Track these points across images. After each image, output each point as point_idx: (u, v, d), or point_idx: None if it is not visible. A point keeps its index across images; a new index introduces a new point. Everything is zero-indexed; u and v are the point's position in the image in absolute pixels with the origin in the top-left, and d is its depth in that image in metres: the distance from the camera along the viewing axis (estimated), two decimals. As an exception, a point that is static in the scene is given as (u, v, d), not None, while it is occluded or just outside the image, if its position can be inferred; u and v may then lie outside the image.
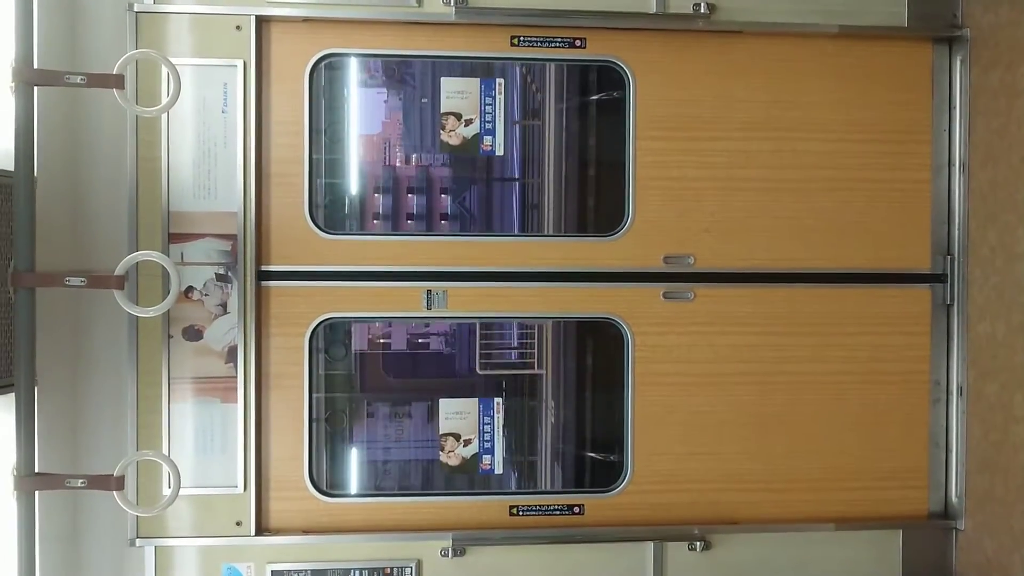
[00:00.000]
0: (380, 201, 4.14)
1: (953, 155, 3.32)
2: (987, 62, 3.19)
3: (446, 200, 4.20)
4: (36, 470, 2.64)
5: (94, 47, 2.96)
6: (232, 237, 3.02)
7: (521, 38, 3.18)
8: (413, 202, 4.19)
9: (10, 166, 2.61)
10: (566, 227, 4.02)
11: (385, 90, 4.07)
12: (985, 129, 3.20)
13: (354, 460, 3.93)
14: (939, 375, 3.34)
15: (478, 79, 3.28)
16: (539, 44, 3.19)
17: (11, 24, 2.59)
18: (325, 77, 3.36)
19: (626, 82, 3.22)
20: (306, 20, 3.09)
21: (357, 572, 3.07)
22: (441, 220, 4.20)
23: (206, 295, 3.01)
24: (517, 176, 4.12)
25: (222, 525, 3.03)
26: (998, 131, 3.13)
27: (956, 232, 3.30)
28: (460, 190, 4.20)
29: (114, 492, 2.65)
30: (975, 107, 3.25)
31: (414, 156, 4.21)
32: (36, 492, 2.62)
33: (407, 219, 4.16)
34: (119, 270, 2.64)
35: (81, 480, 2.63)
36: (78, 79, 2.62)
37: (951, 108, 3.32)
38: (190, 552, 3.03)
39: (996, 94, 3.14)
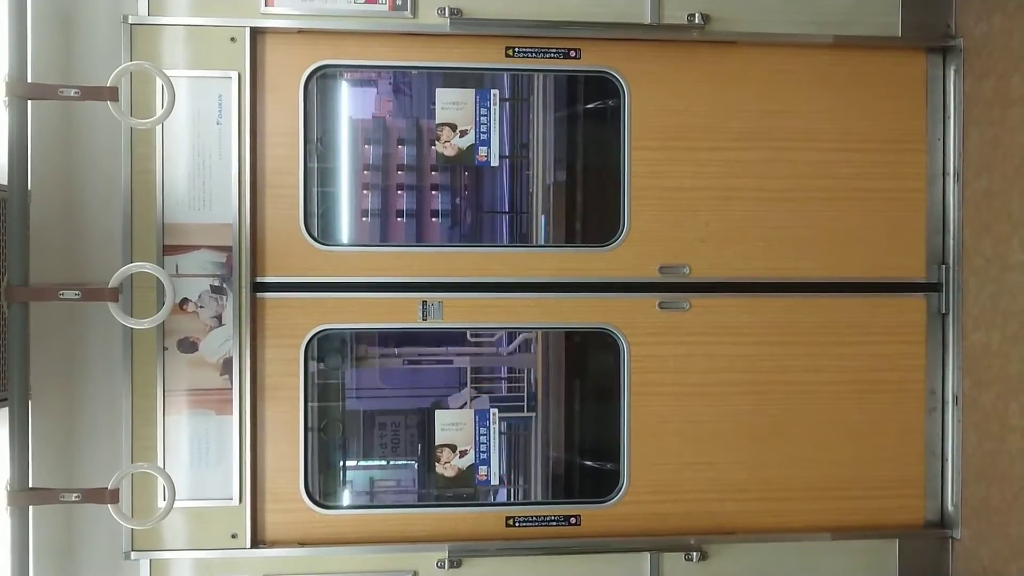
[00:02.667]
0: (371, 209, 4.14)
1: (947, 164, 3.32)
2: (981, 72, 3.20)
3: (440, 210, 4.21)
4: (30, 485, 2.64)
5: (88, 60, 2.95)
6: (227, 249, 3.01)
7: (516, 49, 3.18)
8: (404, 212, 4.19)
9: (3, 180, 2.60)
10: (557, 237, 4.01)
11: (375, 90, 4.06)
12: (979, 138, 3.20)
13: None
14: (934, 384, 3.34)
15: (473, 90, 3.28)
16: (534, 55, 3.19)
17: (4, 37, 2.59)
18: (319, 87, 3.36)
19: (621, 92, 3.22)
20: (301, 31, 3.09)
21: (353, 584, 3.07)
22: (432, 218, 4.20)
23: (201, 307, 3.01)
24: (512, 186, 4.12)
25: (217, 538, 3.02)
26: (992, 140, 3.13)
27: (951, 241, 3.31)
28: (455, 200, 4.21)
29: (109, 505, 2.64)
30: (969, 116, 3.26)
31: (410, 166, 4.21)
32: (30, 507, 2.61)
33: (397, 217, 4.15)
34: (113, 282, 2.64)
35: (75, 494, 2.62)
36: (72, 92, 2.61)
37: (945, 118, 3.32)
38: (185, 565, 3.02)
39: (990, 103, 3.15)
